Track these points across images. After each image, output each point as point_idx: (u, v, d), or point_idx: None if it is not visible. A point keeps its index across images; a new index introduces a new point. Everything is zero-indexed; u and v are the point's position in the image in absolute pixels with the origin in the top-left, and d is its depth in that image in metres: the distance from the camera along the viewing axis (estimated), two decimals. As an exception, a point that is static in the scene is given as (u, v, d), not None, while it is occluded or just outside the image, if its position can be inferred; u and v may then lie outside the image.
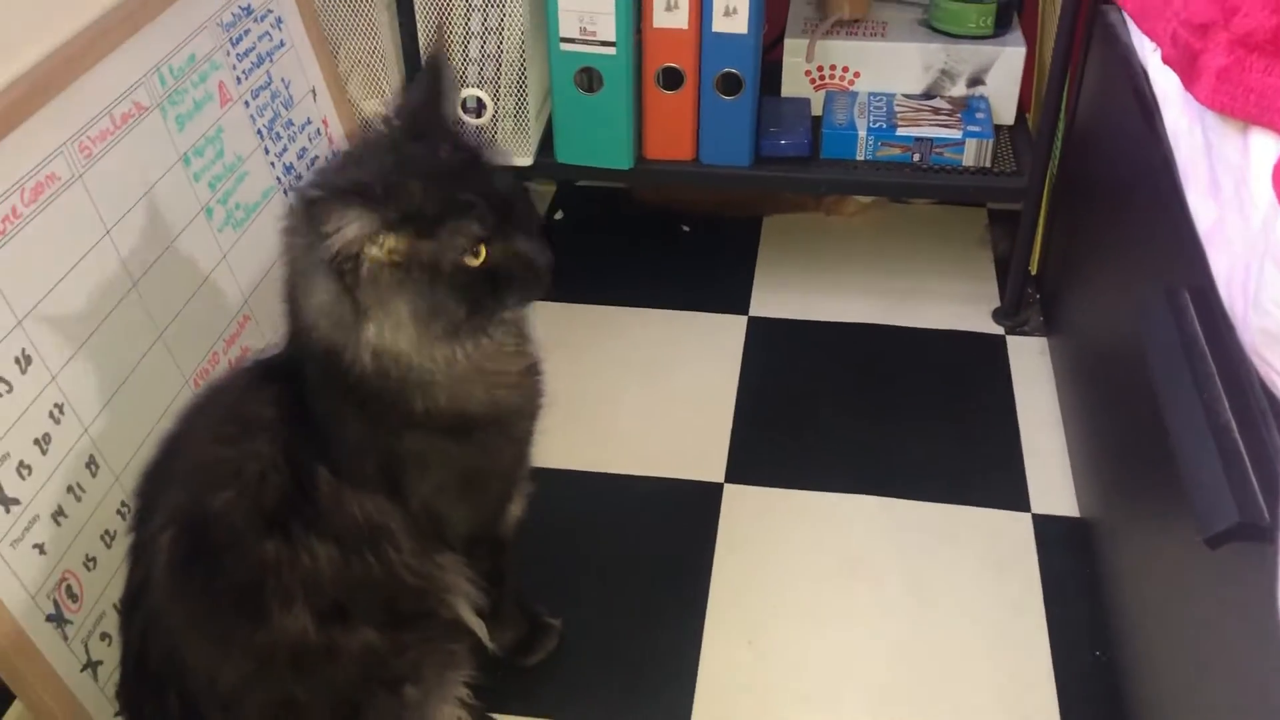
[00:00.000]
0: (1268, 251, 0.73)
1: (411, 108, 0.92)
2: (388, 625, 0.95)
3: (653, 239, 2.01)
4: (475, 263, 0.88)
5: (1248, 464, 0.87)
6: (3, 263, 1.01)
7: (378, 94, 1.66)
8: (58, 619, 1.03)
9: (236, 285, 1.35)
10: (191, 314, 1.26)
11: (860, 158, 1.69)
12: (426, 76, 0.93)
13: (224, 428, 0.94)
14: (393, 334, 0.88)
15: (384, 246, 0.85)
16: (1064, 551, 1.39)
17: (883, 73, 1.74)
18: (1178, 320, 1.02)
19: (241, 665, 0.90)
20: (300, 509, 0.91)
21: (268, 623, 0.90)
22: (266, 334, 1.40)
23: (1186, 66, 0.85)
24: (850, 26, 1.77)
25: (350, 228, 0.82)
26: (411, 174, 0.86)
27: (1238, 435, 0.90)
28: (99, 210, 1.14)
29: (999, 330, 1.76)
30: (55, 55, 1.11)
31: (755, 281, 1.89)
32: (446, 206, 0.86)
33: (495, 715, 1.22)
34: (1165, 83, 0.99)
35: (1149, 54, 1.06)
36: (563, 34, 1.58)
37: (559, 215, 2.08)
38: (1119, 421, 1.32)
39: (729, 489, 1.50)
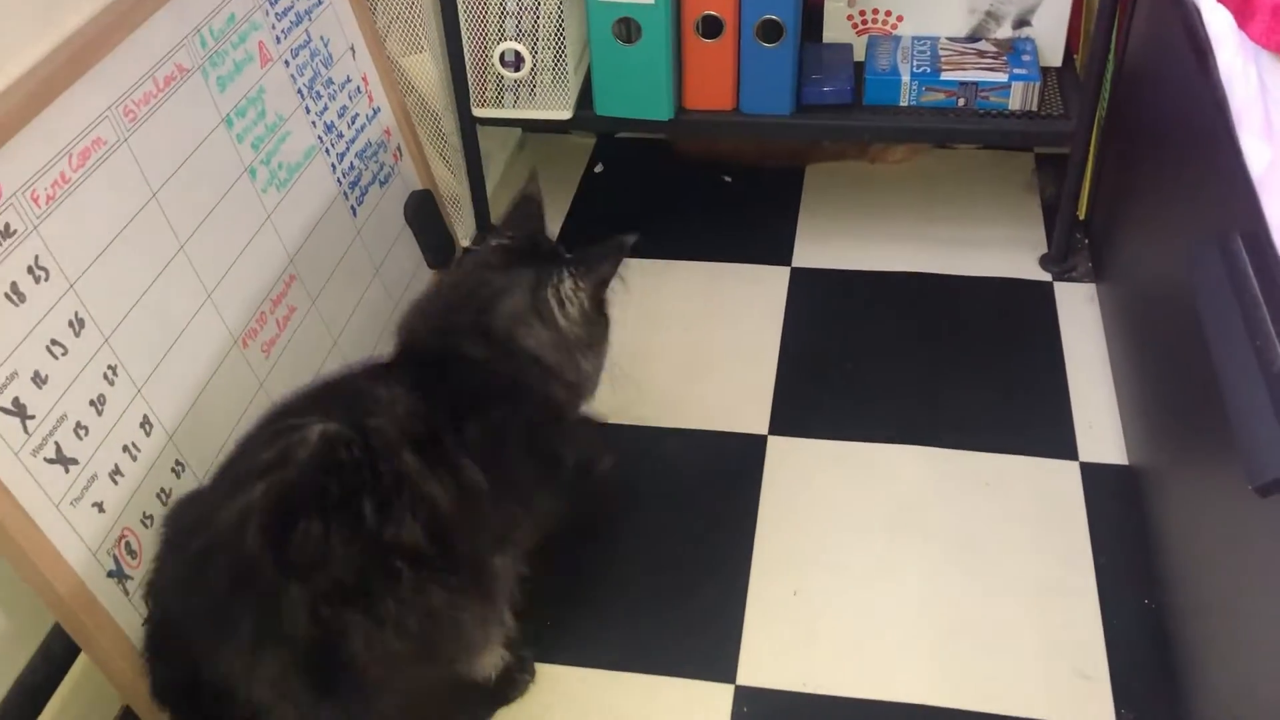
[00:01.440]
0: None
1: (520, 228, 1.21)
2: (468, 569, 1.02)
3: (694, 191, 2.00)
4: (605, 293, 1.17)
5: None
6: (54, 227, 1.03)
7: (416, 49, 1.66)
8: (118, 574, 1.06)
9: (281, 245, 1.36)
10: (238, 274, 1.28)
11: (904, 103, 1.67)
12: (525, 205, 1.23)
13: (365, 389, 1.05)
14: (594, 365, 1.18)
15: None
16: (1112, 500, 1.38)
17: (926, 16, 1.71)
18: (1229, 266, 1.00)
19: (359, 555, 0.93)
20: (434, 450, 1.00)
21: (393, 525, 0.95)
22: (312, 293, 1.41)
23: (1240, 4, 0.83)
24: (892, -31, 1.73)
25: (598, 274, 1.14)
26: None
27: (1291, 383, 0.89)
28: (145, 173, 1.15)
29: (1046, 277, 1.73)
30: (97, 20, 1.12)
31: (798, 232, 1.87)
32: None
33: (542, 664, 1.24)
34: (1218, 22, 0.97)
35: (1202, -6, 1.03)
36: (600, -16, 1.56)
37: (599, 168, 2.07)
38: (1168, 368, 1.30)
39: (773, 440, 1.50)
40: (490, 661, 1.11)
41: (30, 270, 1.00)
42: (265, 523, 0.91)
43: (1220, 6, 0.90)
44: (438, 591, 0.97)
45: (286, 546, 0.91)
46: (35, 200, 1.01)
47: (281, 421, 1.00)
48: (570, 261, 1.14)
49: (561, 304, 1.13)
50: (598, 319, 1.17)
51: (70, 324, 1.04)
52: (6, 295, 0.97)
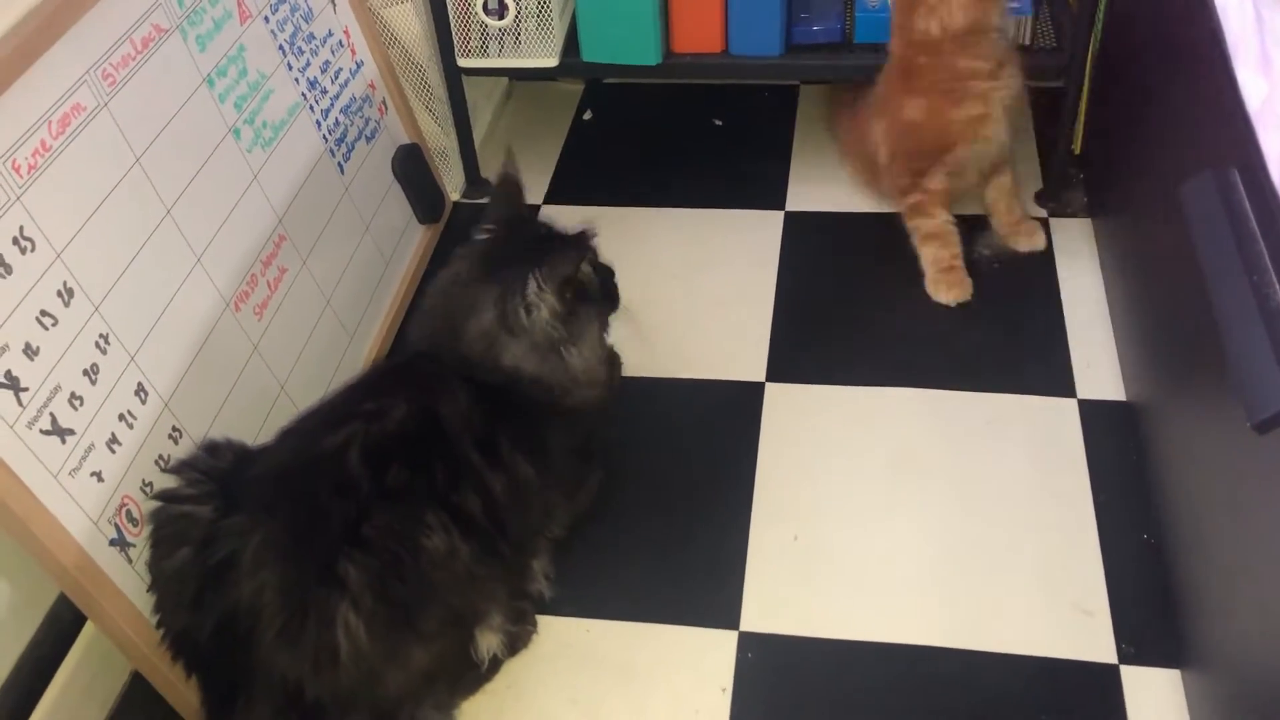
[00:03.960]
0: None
1: (501, 217, 1.22)
2: (511, 546, 1.11)
3: (684, 135, 1.98)
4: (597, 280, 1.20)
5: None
6: (38, 196, 1.01)
7: (397, 0, 1.63)
8: (120, 542, 1.07)
9: (270, 205, 1.35)
10: (227, 237, 1.26)
11: (895, 41, 1.64)
12: (503, 191, 1.24)
13: (432, 379, 1.12)
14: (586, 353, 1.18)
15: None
16: (1111, 436, 1.39)
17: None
18: (1226, 201, 0.99)
19: (426, 515, 1.01)
20: (491, 449, 1.09)
21: (458, 496, 1.04)
22: (302, 252, 1.40)
23: (1236, -66, 0.81)
24: (881, -97, 1.69)
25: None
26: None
27: (1289, 318, 0.88)
28: (127, 138, 1.13)
29: (1042, 213, 1.72)
30: (69, -18, 1.10)
31: (790, 175, 1.86)
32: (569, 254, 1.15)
33: (544, 616, 1.25)
34: (1213, -50, 0.95)
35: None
36: (583, -73, 1.53)
37: (588, 115, 2.05)
38: (1166, 304, 1.29)
39: (770, 387, 1.50)
40: (497, 628, 1.15)
41: (15, 241, 0.99)
42: (367, 452, 1.02)
43: (1215, -65, 0.88)
44: (474, 554, 1.05)
45: (383, 476, 1.01)
46: (16, 170, 1.00)
47: (366, 389, 1.13)
48: (534, 264, 1.12)
49: (529, 311, 1.12)
50: (575, 312, 1.15)
51: (59, 294, 1.03)
52: (-7, 268, 0.97)
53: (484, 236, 1.21)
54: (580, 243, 1.19)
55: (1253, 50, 0.85)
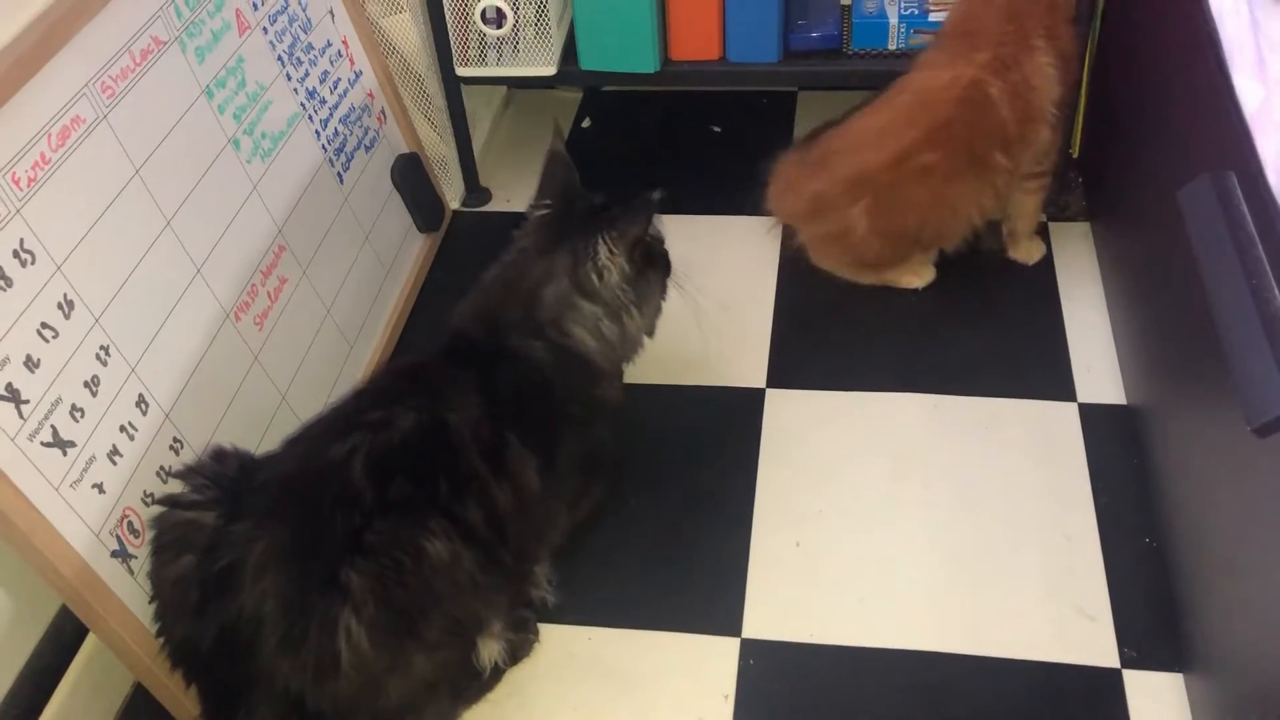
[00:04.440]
0: (1317, 135, 0.70)
1: (556, 190, 1.25)
2: (512, 555, 1.11)
3: (683, 143, 1.98)
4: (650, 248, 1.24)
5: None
6: (37, 209, 1.01)
7: (396, 9, 1.63)
8: (122, 554, 1.07)
9: (269, 216, 1.35)
10: (227, 248, 1.27)
11: (893, 46, 1.65)
12: (555, 164, 1.27)
13: (442, 384, 1.13)
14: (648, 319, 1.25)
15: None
16: (1112, 440, 1.39)
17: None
18: (1224, 204, 0.99)
19: (429, 523, 1.02)
20: (499, 458, 1.09)
21: (461, 507, 1.04)
22: (302, 262, 1.40)
23: (1231, -61, 0.81)
24: (878, -92, 1.70)
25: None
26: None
27: (1287, 321, 0.88)
28: (126, 150, 1.14)
29: (1041, 217, 1.72)
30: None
31: (789, 180, 1.85)
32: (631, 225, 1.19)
33: (546, 625, 1.25)
34: (1208, -45, 0.95)
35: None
36: (580, -64, 1.54)
37: (586, 123, 2.05)
38: (1165, 307, 1.29)
39: (771, 393, 1.50)
40: (498, 636, 1.15)
41: (16, 254, 0.99)
42: (371, 463, 1.02)
43: (1210, -60, 0.88)
44: (477, 561, 1.05)
45: (386, 487, 1.01)
46: (16, 183, 1.00)
47: (374, 397, 1.12)
48: (603, 228, 1.17)
49: (600, 275, 1.17)
50: (642, 274, 1.21)
51: (59, 306, 1.03)
52: (-7, 280, 0.97)
53: (542, 212, 1.23)
54: (644, 205, 1.20)
55: (1248, 55, 0.86)
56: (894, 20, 1.62)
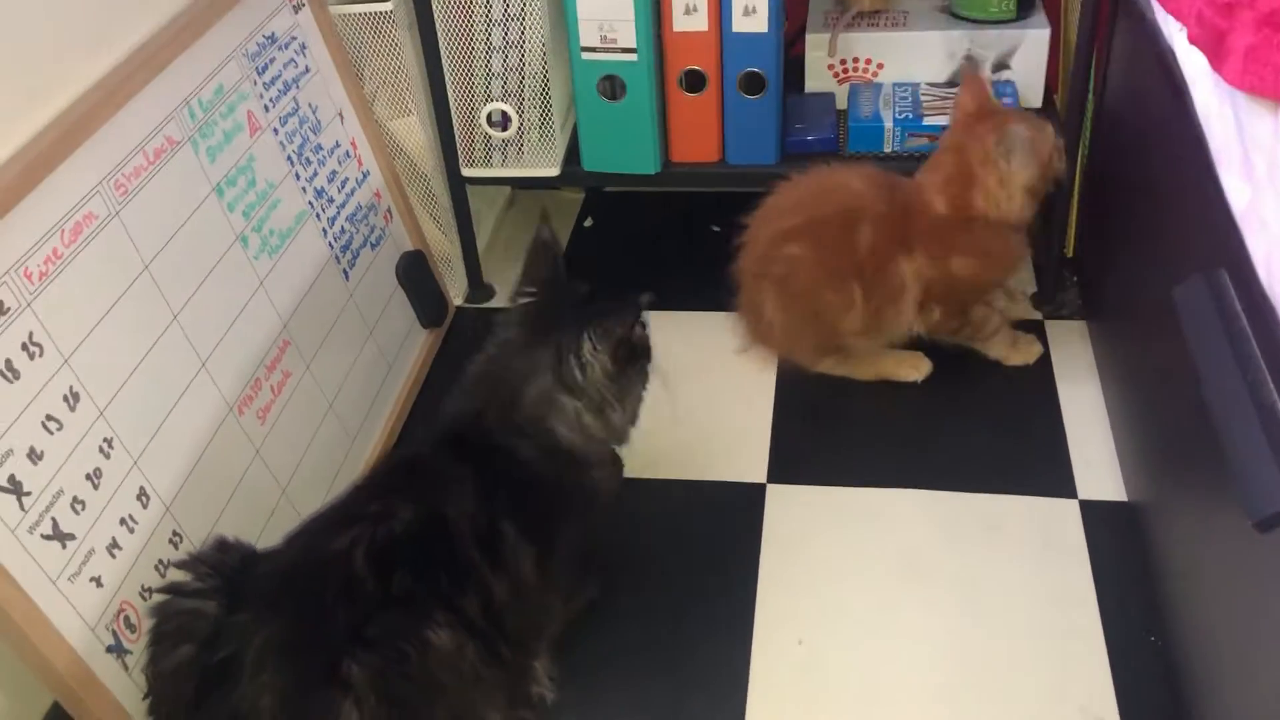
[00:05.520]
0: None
1: (540, 278, 1.24)
2: (508, 654, 1.09)
3: (684, 241, 2.01)
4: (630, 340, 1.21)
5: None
6: (47, 303, 1.03)
7: (404, 112, 1.68)
8: (117, 649, 1.05)
9: (275, 311, 1.37)
10: (232, 342, 1.28)
11: (888, 149, 1.69)
12: (541, 251, 1.26)
13: (439, 477, 1.13)
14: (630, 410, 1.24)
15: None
16: (1114, 537, 1.38)
17: (906, 62, 1.73)
18: (1218, 302, 1.01)
19: (434, 614, 1.01)
20: (496, 550, 1.09)
21: (461, 599, 1.04)
22: (306, 357, 1.42)
23: (1214, 46, 0.84)
24: (871, 18, 1.76)
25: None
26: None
27: (1284, 416, 0.89)
28: (137, 245, 1.16)
29: (1037, 315, 1.74)
30: (86, 96, 1.13)
31: (788, 278, 1.88)
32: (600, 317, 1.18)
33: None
34: (1193, 63, 0.98)
35: (1175, 33, 1.05)
36: (584, 43, 1.58)
37: (589, 223, 2.08)
38: (1163, 404, 1.30)
39: (772, 489, 1.50)
40: None
41: (25, 347, 1.00)
42: (371, 555, 1.01)
43: (1194, 49, 0.91)
44: (479, 654, 1.04)
45: (388, 580, 1.00)
46: (28, 277, 1.02)
47: (372, 491, 1.13)
48: (588, 323, 1.17)
49: (584, 371, 1.17)
50: (625, 372, 1.20)
51: (65, 399, 1.04)
52: (0, 373, 0.98)
53: (526, 300, 1.23)
54: (632, 308, 1.21)
55: (1235, 156, 0.88)
56: (889, 124, 1.66)
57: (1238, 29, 0.79)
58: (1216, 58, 0.83)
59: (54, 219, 1.06)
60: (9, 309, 0.99)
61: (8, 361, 0.98)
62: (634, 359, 1.22)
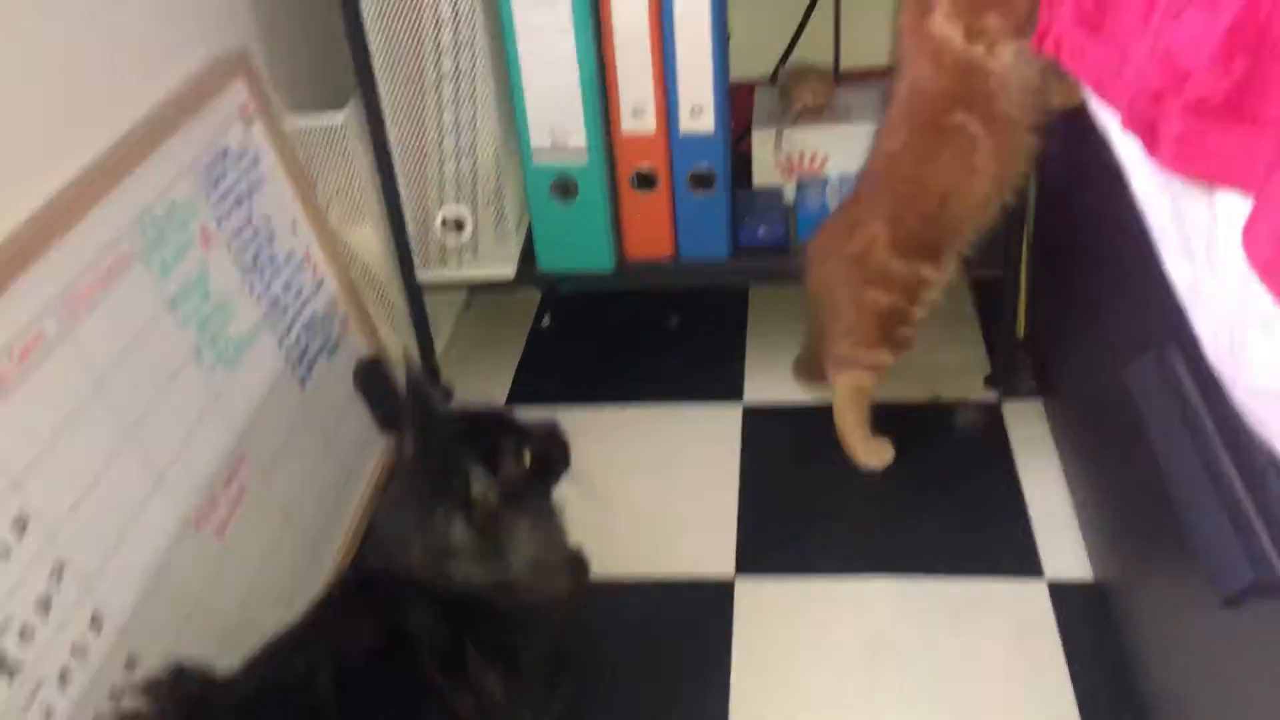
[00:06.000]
0: (1247, 313, 0.74)
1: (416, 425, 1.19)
2: None
3: (642, 335, 2.02)
4: (530, 466, 1.17)
5: (1256, 520, 0.87)
6: (-5, 427, 1.01)
7: (358, 219, 1.68)
8: (69, 785, 1.01)
9: (230, 424, 1.35)
10: (188, 458, 1.26)
11: (837, 240, 1.71)
12: (414, 394, 1.21)
13: (398, 594, 1.11)
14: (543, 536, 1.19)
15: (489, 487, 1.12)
16: (1082, 616, 1.38)
17: (851, 155, 1.77)
18: (1168, 378, 1.02)
19: None
20: (458, 669, 1.07)
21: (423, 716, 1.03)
22: (263, 470, 1.40)
23: (1146, 133, 0.87)
24: (814, 114, 1.80)
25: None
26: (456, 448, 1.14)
27: (1242, 492, 0.90)
28: (88, 365, 1.14)
29: (993, 397, 1.76)
30: (38, 217, 1.13)
31: (747, 367, 1.90)
32: (491, 448, 1.14)
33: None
34: (1128, 148, 1.01)
35: (1109, 120, 1.08)
36: (535, 146, 1.61)
37: (546, 322, 2.09)
38: (1123, 481, 1.31)
39: (740, 583, 1.49)
40: None
41: (-29, 473, 0.98)
42: (336, 679, 0.99)
43: (1129, 134, 0.94)
44: None
45: (349, 704, 0.99)
46: (-24, 401, 1.00)
47: (338, 608, 1.12)
48: (473, 458, 1.12)
49: (470, 516, 1.11)
50: (514, 504, 1.14)
51: (14, 524, 1.01)
52: (-53, 501, 0.95)
53: (409, 449, 1.19)
54: (516, 429, 1.17)
55: (1175, 237, 0.90)
56: (838, 215, 1.69)
57: (1168, 116, 0.82)
58: (1150, 144, 0.86)
59: (3, 342, 1.04)
60: (-44, 435, 0.97)
61: (-46, 489, 0.96)
62: (521, 491, 1.15)
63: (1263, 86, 0.72)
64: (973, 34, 1.35)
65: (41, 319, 1.09)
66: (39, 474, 1.05)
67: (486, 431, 1.17)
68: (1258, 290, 0.70)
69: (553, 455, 1.20)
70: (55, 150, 1.19)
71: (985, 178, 1.42)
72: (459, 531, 1.11)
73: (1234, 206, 0.77)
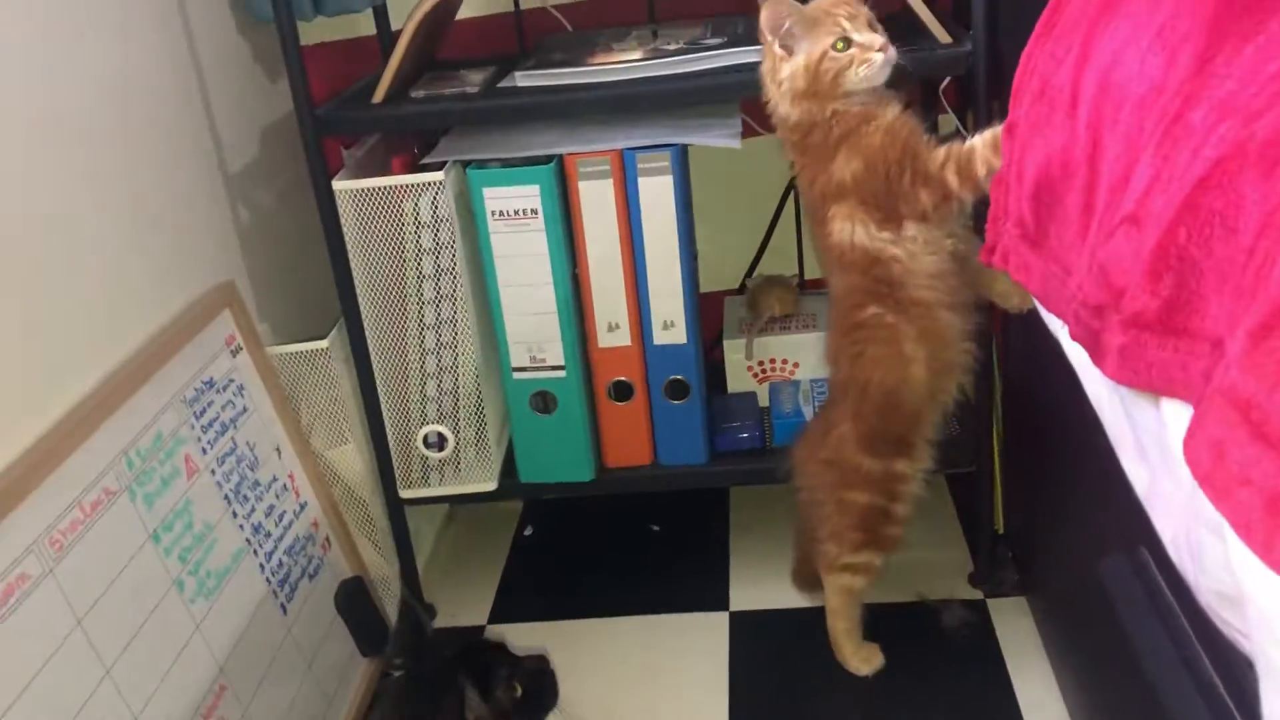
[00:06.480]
0: (1200, 518, 0.76)
1: (409, 638, 1.25)
2: None
3: (624, 543, 2.02)
4: (519, 695, 1.19)
5: (1235, 713, 0.87)
6: (-27, 672, 1.00)
7: (340, 441, 1.71)
8: None
9: (211, 655, 1.34)
10: (167, 693, 1.24)
11: (813, 442, 1.75)
12: (405, 618, 1.27)
13: None
14: None
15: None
16: (1086, 822, 1.34)
17: (820, 359, 1.82)
18: (1141, 577, 1.04)
19: None
20: None
21: None
22: (243, 700, 1.37)
23: (1092, 344, 0.91)
24: (783, 321, 1.87)
25: None
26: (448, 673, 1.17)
27: (1223, 690, 0.90)
28: (70, 602, 1.14)
29: (978, 595, 1.76)
30: (28, 455, 1.15)
31: (731, 574, 1.89)
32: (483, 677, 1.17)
33: None
34: (1079, 354, 1.05)
35: (1059, 329, 1.13)
36: (514, 364, 1.66)
37: (528, 531, 2.10)
38: (1112, 673, 1.30)
39: (733, 800, 1.45)
40: None
41: (-53, 721, 0.97)
42: None
43: (1076, 344, 0.98)
44: None
45: None
46: (-45, 647, 1.00)
47: None
48: (461, 690, 1.14)
49: None
50: None
51: (-13, 773, 0.99)
52: (-80, 752, 0.94)
53: (396, 674, 1.21)
54: (507, 660, 1.19)
55: (1128, 440, 0.93)
56: (809, 417, 1.73)
57: (1109, 329, 0.86)
58: (1096, 355, 0.90)
59: (-15, 583, 1.05)
60: (-67, 682, 0.97)
61: (-72, 739, 0.95)
62: (526, 712, 1.19)
63: (1188, 302, 0.77)
64: (883, 224, 1.39)
65: (25, 559, 1.10)
66: (16, 716, 1.03)
67: (479, 657, 1.19)
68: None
69: (543, 687, 1.21)
70: (50, 387, 1.22)
71: (919, 363, 1.44)
72: None
73: (1180, 413, 0.80)
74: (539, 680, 1.22)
